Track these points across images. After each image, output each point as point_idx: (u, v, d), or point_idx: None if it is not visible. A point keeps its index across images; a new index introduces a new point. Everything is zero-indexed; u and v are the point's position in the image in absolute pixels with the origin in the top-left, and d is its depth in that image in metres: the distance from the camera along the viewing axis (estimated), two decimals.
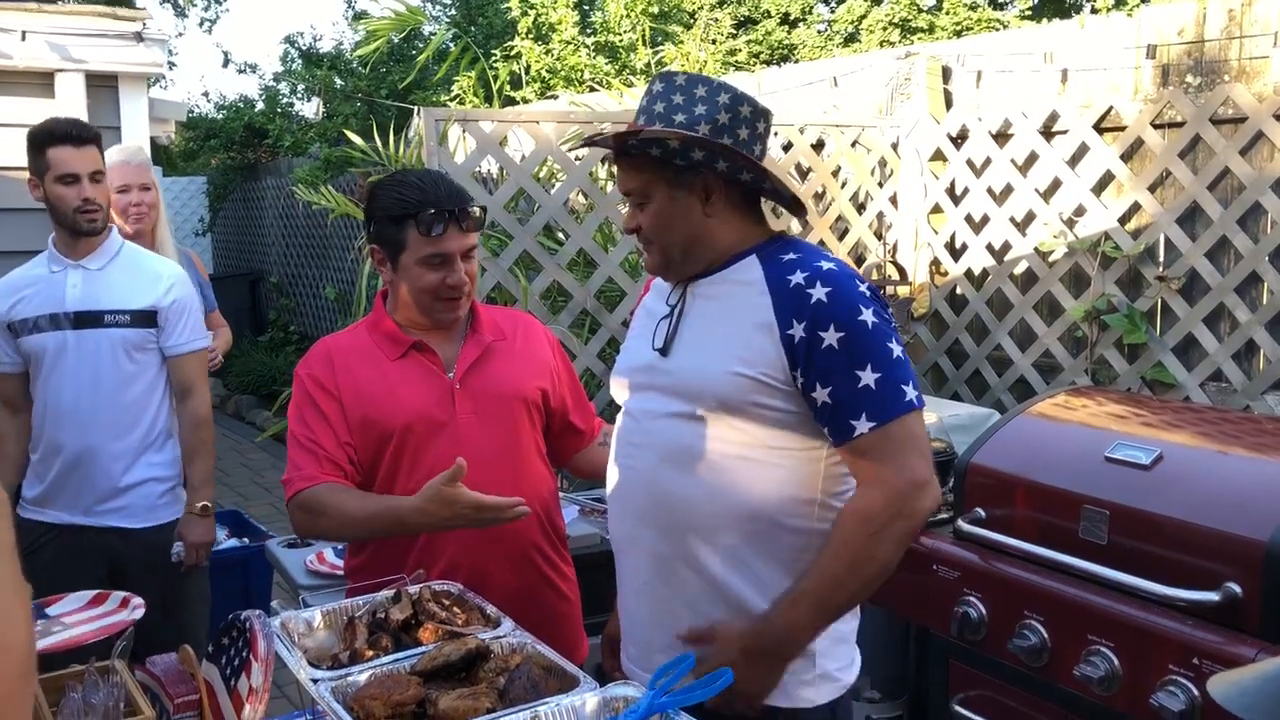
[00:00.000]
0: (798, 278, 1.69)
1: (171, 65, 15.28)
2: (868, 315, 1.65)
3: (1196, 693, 2.06)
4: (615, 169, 1.82)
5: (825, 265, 1.70)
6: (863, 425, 1.63)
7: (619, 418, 1.93)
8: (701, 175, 1.74)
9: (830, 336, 1.64)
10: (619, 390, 1.93)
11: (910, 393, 1.65)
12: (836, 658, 1.80)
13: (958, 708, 2.57)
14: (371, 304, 4.50)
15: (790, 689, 1.73)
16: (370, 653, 1.67)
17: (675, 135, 1.69)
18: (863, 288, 1.69)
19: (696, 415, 1.74)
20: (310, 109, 11.86)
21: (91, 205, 2.76)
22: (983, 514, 2.60)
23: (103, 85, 4.33)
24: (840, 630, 1.79)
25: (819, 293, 1.66)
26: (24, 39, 4.10)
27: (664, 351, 1.82)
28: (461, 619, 1.78)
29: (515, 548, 2.11)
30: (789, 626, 1.67)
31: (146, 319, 2.85)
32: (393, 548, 2.06)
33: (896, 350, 1.67)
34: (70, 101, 4.22)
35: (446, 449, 2.01)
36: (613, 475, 1.89)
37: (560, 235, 4.32)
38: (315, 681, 1.56)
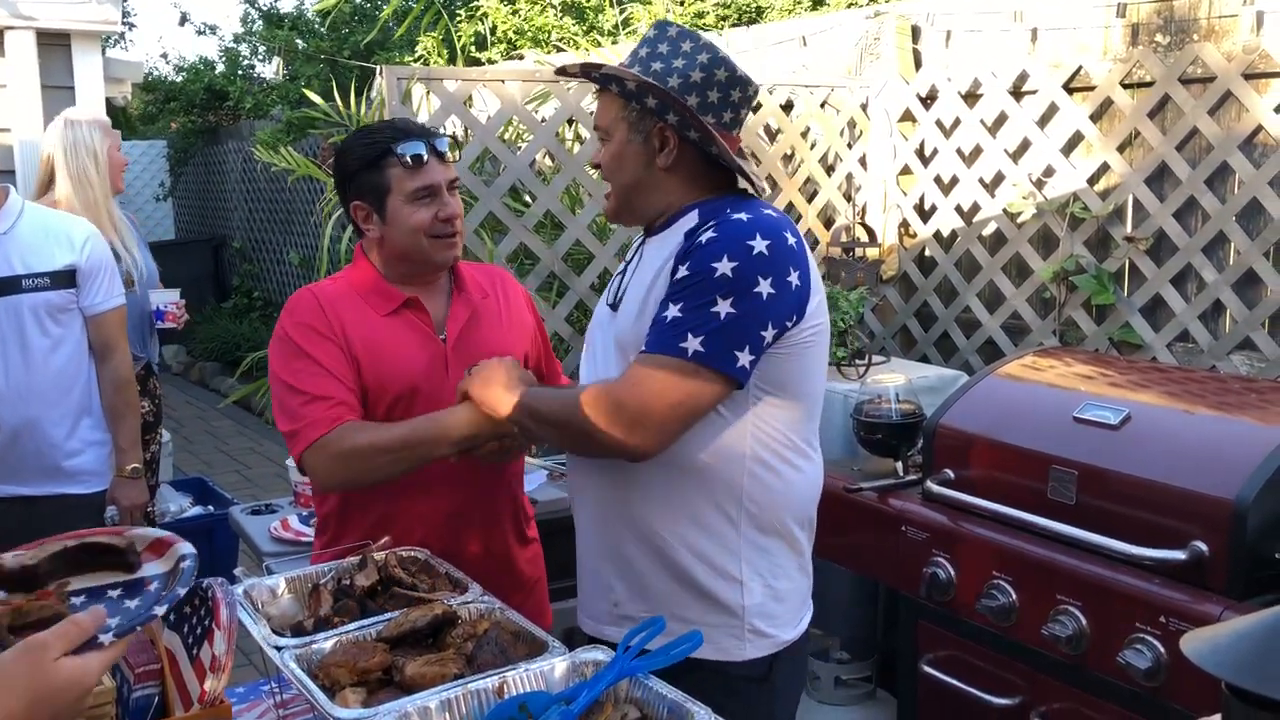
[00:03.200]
0: (705, 227, 1.70)
1: (130, 26, 14.94)
2: (723, 266, 1.63)
3: (1163, 650, 2.08)
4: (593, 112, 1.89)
5: (735, 215, 1.69)
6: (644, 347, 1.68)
7: None
8: (658, 124, 1.75)
9: (682, 269, 1.67)
10: (589, 339, 1.95)
11: (692, 344, 1.62)
12: (770, 615, 1.79)
13: (926, 668, 2.58)
14: (334, 268, 4.46)
15: (717, 640, 1.74)
16: (335, 620, 1.65)
17: (633, 77, 1.72)
18: (759, 247, 1.64)
19: (620, 366, 1.76)
20: (270, 70, 11.66)
21: None
22: (951, 475, 2.60)
23: (54, 44, 4.23)
24: (779, 588, 1.80)
25: (705, 236, 1.67)
26: None
27: (614, 306, 1.85)
28: (428, 585, 1.76)
29: (485, 521, 2.09)
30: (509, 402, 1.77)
31: (66, 279, 2.77)
32: (361, 528, 2.01)
33: (724, 309, 1.62)
34: (21, 60, 4.12)
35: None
36: None
37: (527, 197, 4.26)
38: (279, 649, 1.54)
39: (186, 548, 1.37)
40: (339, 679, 1.48)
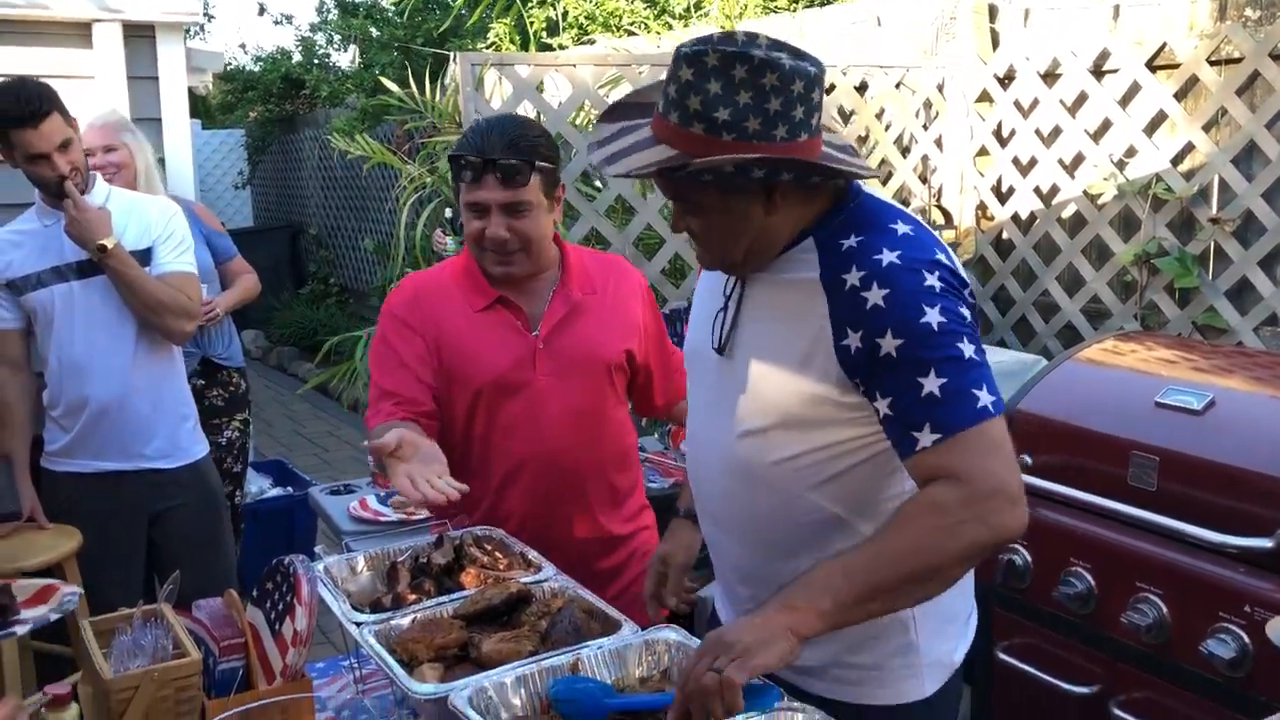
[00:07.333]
0: (854, 278, 1.49)
1: (210, 18, 15.25)
2: (932, 315, 1.44)
3: (1248, 640, 2.03)
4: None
5: (886, 259, 1.49)
6: (926, 438, 1.41)
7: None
8: (764, 185, 1.53)
9: (888, 344, 1.44)
10: (688, 367, 1.81)
11: (984, 398, 1.43)
12: (948, 636, 1.66)
13: (1002, 655, 2.55)
14: (408, 255, 4.49)
15: (894, 684, 1.61)
16: (413, 597, 1.68)
17: (730, 160, 1.45)
18: (930, 280, 1.47)
19: (758, 429, 1.59)
20: (346, 59, 11.82)
21: (71, 174, 2.69)
22: (1029, 460, 2.56)
23: (140, 35, 4.33)
24: (952, 608, 1.65)
25: (875, 297, 1.46)
26: None
27: (722, 351, 1.66)
28: (503, 564, 1.79)
29: (581, 507, 2.10)
30: (817, 583, 1.38)
31: (145, 258, 2.84)
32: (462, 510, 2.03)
33: (968, 350, 1.45)
34: (108, 51, 4.23)
35: (524, 408, 2.01)
36: (690, 465, 1.79)
37: (598, 182, 4.28)
38: (359, 625, 1.57)
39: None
40: (417, 654, 1.51)
